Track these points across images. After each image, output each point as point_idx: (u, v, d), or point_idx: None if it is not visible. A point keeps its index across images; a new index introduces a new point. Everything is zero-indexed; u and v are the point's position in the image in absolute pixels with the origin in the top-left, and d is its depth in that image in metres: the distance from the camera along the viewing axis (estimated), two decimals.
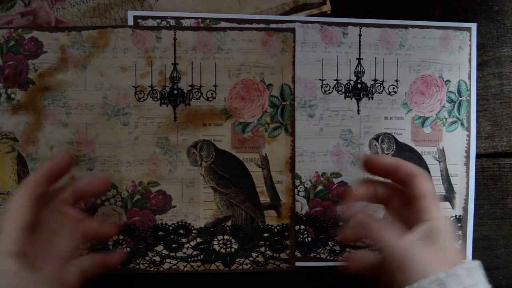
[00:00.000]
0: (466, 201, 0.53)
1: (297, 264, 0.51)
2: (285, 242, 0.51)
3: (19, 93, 0.49)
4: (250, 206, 0.50)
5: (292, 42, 0.50)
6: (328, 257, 0.52)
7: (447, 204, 0.53)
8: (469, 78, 0.53)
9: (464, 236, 0.53)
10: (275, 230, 0.51)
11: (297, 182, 0.51)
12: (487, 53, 0.53)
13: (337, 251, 0.52)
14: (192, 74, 0.50)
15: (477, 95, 0.53)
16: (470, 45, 0.52)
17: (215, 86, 0.50)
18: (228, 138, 0.50)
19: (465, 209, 0.53)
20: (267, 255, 0.51)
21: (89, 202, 0.49)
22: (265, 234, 0.51)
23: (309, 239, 0.51)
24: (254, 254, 0.51)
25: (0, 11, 0.48)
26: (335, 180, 0.51)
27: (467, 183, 0.53)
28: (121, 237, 0.50)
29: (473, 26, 0.52)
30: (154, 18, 0.49)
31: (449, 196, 0.53)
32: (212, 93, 0.50)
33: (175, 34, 0.49)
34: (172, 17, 0.50)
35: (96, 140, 0.49)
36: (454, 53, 0.52)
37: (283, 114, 0.50)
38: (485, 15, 0.53)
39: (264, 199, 0.51)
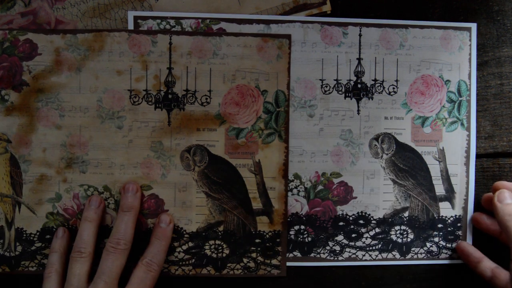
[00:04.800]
0: (466, 201, 0.53)
1: (297, 264, 0.52)
2: (277, 249, 0.51)
3: (13, 94, 0.48)
4: (242, 212, 0.51)
5: (287, 48, 0.50)
6: (328, 257, 0.52)
7: (447, 204, 0.53)
8: (469, 78, 0.52)
9: (464, 236, 0.53)
10: (267, 236, 0.51)
11: (297, 182, 0.51)
12: (487, 53, 0.53)
13: (337, 251, 0.52)
14: (187, 78, 0.50)
15: (477, 95, 0.53)
16: (470, 45, 0.52)
17: (209, 91, 0.50)
18: (221, 143, 0.50)
19: (465, 209, 0.53)
20: (258, 261, 0.51)
21: None
22: (257, 240, 0.51)
23: (309, 239, 0.52)
24: (245, 260, 0.51)
25: (0, 11, 0.48)
26: (335, 180, 0.52)
27: (467, 183, 0.53)
28: None
29: (473, 26, 0.52)
30: (154, 18, 0.49)
31: (449, 196, 0.53)
32: (206, 98, 0.50)
33: (170, 39, 0.49)
34: (172, 17, 0.49)
35: (90, 143, 0.49)
36: (454, 53, 0.52)
37: (277, 121, 0.50)
38: (485, 15, 0.53)
39: (257, 205, 0.51)
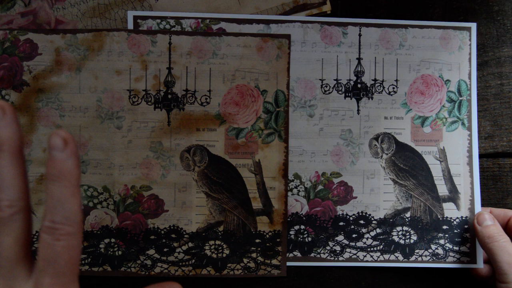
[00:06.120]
0: (472, 201, 0.52)
1: (297, 264, 0.51)
2: (277, 249, 0.51)
3: (13, 94, 0.49)
4: (242, 212, 0.50)
5: (287, 48, 0.50)
6: (328, 257, 0.52)
7: (451, 205, 0.52)
8: (469, 77, 0.52)
9: (473, 238, 0.52)
10: (267, 236, 0.51)
11: (297, 182, 0.51)
12: (487, 53, 0.53)
13: (338, 251, 0.52)
14: (186, 78, 0.50)
15: (477, 95, 0.53)
16: (470, 44, 0.52)
17: (209, 91, 0.50)
18: (221, 143, 0.50)
19: (472, 210, 0.52)
20: (259, 261, 0.51)
21: None
22: (257, 240, 0.51)
23: (309, 239, 0.51)
24: (245, 260, 0.51)
25: (0, 11, 0.48)
26: (335, 180, 0.51)
27: (472, 183, 0.52)
28: (113, 240, 0.50)
29: (473, 25, 0.52)
30: (154, 18, 0.49)
31: (453, 196, 0.52)
32: (206, 98, 0.50)
33: (170, 39, 0.49)
34: (172, 17, 0.50)
35: (89, 143, 0.49)
36: (454, 52, 0.52)
37: (277, 121, 0.50)
38: (485, 15, 0.53)
39: (257, 205, 0.51)
